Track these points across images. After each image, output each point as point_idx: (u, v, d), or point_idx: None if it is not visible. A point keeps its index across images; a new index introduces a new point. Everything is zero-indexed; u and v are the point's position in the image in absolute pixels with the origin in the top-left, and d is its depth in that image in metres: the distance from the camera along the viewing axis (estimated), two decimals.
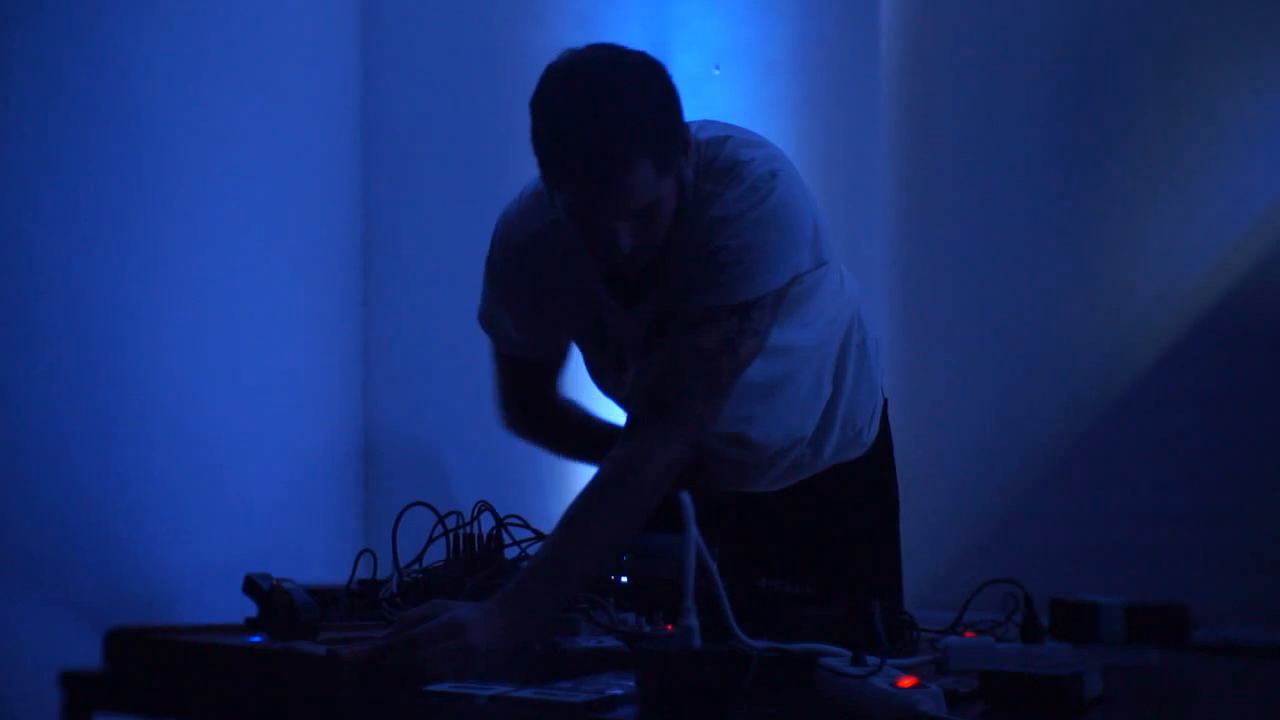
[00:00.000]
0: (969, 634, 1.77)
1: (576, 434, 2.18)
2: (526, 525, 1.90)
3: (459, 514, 1.87)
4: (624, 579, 1.78)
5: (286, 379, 3.52)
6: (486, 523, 1.88)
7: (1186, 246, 3.37)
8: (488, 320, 2.09)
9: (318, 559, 3.23)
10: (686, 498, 1.45)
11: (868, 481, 2.21)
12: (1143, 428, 3.36)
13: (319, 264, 3.71)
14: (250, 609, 1.64)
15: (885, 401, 2.24)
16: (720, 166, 1.81)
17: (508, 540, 1.88)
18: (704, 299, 1.78)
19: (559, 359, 2.14)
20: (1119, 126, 3.46)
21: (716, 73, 3.40)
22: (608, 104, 1.69)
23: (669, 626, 1.62)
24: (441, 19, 3.84)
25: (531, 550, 1.87)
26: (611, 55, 1.76)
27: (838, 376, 2.08)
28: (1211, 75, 3.36)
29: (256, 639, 1.58)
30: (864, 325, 2.11)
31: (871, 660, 1.37)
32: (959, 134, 3.72)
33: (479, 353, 2.20)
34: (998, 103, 3.66)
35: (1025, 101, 3.61)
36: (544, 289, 1.97)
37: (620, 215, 1.72)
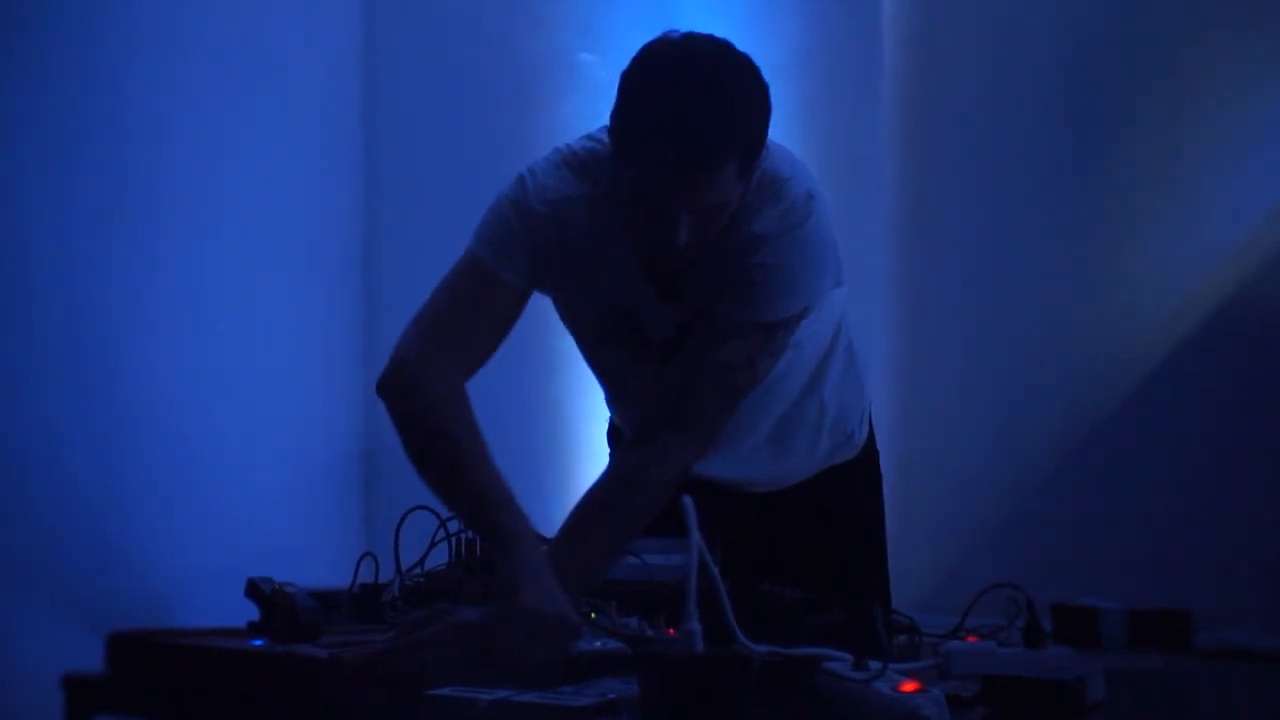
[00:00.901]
0: (971, 638, 1.77)
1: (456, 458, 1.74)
2: None
3: None
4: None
5: (288, 382, 3.52)
6: None
7: (1188, 250, 3.36)
8: (498, 244, 1.85)
9: (320, 563, 3.22)
10: (689, 501, 1.45)
11: (860, 483, 2.24)
12: (1145, 432, 3.36)
13: (320, 266, 3.70)
14: (252, 613, 1.64)
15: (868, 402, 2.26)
16: (758, 179, 1.80)
17: None
18: (734, 314, 1.79)
19: (514, 313, 1.89)
20: (1121, 130, 3.46)
21: None
22: (717, 99, 1.68)
23: (671, 631, 1.62)
24: (443, 21, 3.84)
25: None
26: (722, 50, 1.74)
27: (827, 380, 2.10)
28: (1214, 77, 3.36)
29: (258, 643, 1.58)
30: (848, 329, 2.13)
31: (874, 665, 1.37)
32: (961, 138, 3.72)
33: None
34: (1000, 107, 3.66)
35: (1027, 106, 3.61)
36: (573, 254, 1.88)
37: (691, 209, 1.70)
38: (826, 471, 2.19)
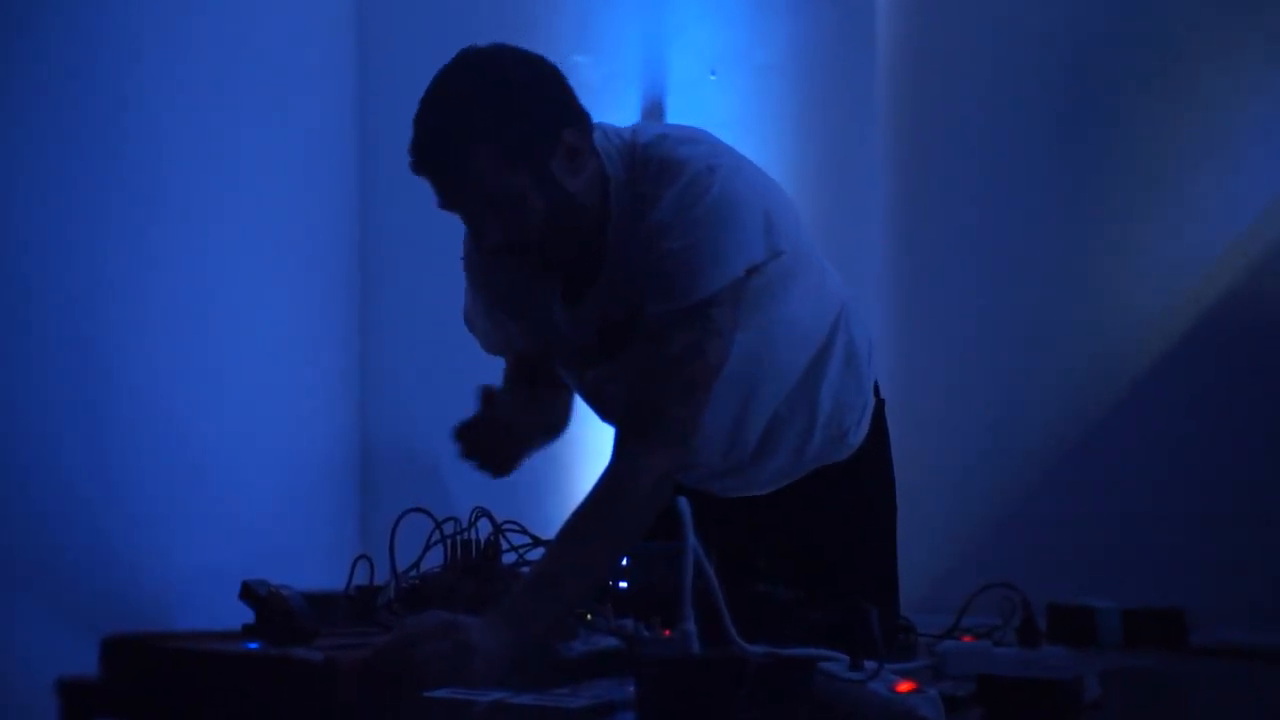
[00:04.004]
0: (967, 638, 1.77)
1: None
2: (524, 531, 1.90)
3: (456, 520, 1.87)
4: (623, 584, 1.78)
5: (284, 385, 3.52)
6: (484, 528, 1.88)
7: (1183, 249, 3.37)
8: (467, 318, 2.13)
9: (315, 565, 3.22)
10: (684, 504, 1.45)
11: (863, 484, 2.17)
12: (1140, 431, 3.36)
13: (316, 270, 3.70)
14: (247, 616, 1.64)
15: (882, 404, 2.20)
16: (656, 167, 1.81)
17: (505, 546, 1.88)
18: (659, 307, 1.77)
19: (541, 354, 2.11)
20: (1115, 129, 3.47)
21: (713, 78, 3.39)
22: (454, 93, 1.77)
23: (667, 632, 1.62)
24: (437, 26, 3.84)
25: (529, 556, 1.87)
26: (486, 52, 1.83)
27: (821, 376, 2.05)
28: (1207, 77, 3.36)
29: (253, 646, 1.58)
30: (851, 325, 2.07)
31: (869, 665, 1.37)
32: (955, 137, 3.72)
33: (476, 358, 2.19)
34: (993, 106, 3.66)
35: (1021, 105, 3.61)
36: (510, 284, 1.99)
37: (459, 205, 1.76)
38: (829, 471, 2.12)
